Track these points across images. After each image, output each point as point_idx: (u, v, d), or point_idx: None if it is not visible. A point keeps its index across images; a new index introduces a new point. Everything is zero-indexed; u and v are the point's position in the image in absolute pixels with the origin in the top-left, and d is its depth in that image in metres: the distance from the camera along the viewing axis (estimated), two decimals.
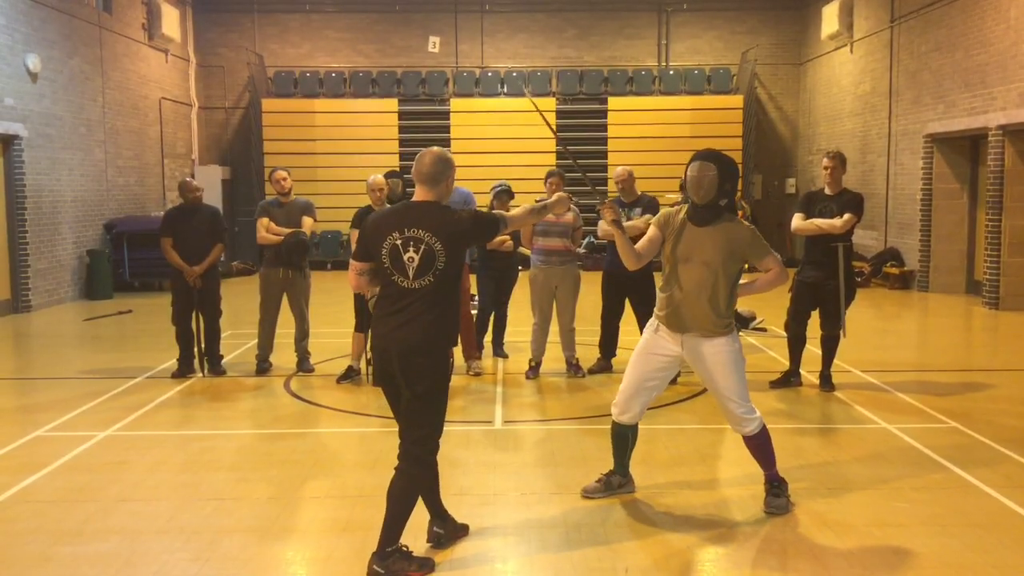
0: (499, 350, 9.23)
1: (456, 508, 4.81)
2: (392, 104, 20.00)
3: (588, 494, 5.16)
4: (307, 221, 8.50)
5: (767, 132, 21.08)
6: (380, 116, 19.87)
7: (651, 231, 5.00)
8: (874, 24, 16.87)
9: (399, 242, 3.99)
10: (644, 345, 4.97)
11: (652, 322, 5.00)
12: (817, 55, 19.75)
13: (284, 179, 8.48)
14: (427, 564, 4.19)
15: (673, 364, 4.98)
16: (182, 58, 19.59)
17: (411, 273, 3.99)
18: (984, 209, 13.29)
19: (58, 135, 14.09)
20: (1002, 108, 12.44)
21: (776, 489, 4.97)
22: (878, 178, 16.70)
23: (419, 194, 4.13)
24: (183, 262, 8.31)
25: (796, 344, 7.81)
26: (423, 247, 3.97)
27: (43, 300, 13.56)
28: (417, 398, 4.05)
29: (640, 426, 5.17)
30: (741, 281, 4.95)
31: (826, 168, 7.58)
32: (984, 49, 12.94)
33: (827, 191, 7.62)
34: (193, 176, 18.05)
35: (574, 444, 6.25)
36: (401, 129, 19.78)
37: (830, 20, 18.21)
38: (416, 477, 4.13)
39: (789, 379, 7.87)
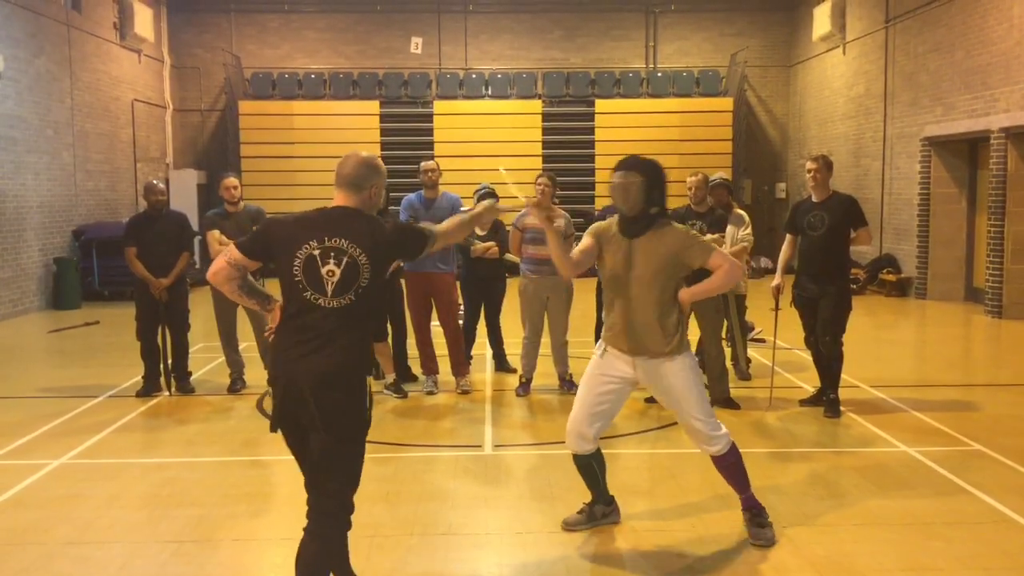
0: (503, 364, 8.77)
1: (446, 551, 4.31)
2: (374, 106, 19.46)
3: (569, 526, 4.75)
4: None
5: (757, 136, 20.67)
6: (361, 119, 19.32)
7: (585, 240, 4.61)
8: (868, 25, 16.48)
9: (317, 252, 3.39)
10: (591, 368, 4.62)
11: (600, 344, 4.63)
12: (808, 57, 19.37)
13: (235, 187, 7.87)
14: None
15: (625, 386, 4.59)
16: (156, 59, 18.99)
17: (329, 290, 3.39)
18: (985, 214, 12.90)
19: (23, 138, 13.47)
20: (1005, 110, 12.04)
21: (758, 518, 4.60)
22: (873, 182, 16.31)
23: (338, 199, 3.53)
24: (148, 273, 7.75)
25: (821, 359, 7.26)
26: (345, 260, 3.40)
27: (6, 311, 12.94)
28: (333, 442, 3.39)
29: (642, 451, 4.69)
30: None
31: (809, 172, 7.02)
32: (986, 49, 12.55)
33: (814, 198, 7.09)
34: (167, 180, 17.55)
35: (571, 471, 5.72)
36: (383, 132, 19.24)
37: (821, 21, 17.81)
38: (331, 539, 3.48)
39: (821, 397, 7.26)
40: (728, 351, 7.96)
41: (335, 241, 3.40)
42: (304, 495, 3.51)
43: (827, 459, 6.02)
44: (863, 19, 16.70)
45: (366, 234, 3.43)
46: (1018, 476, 5.61)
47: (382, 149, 18.86)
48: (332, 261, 3.39)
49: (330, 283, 3.39)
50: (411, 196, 7.90)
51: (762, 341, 10.22)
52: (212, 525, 4.85)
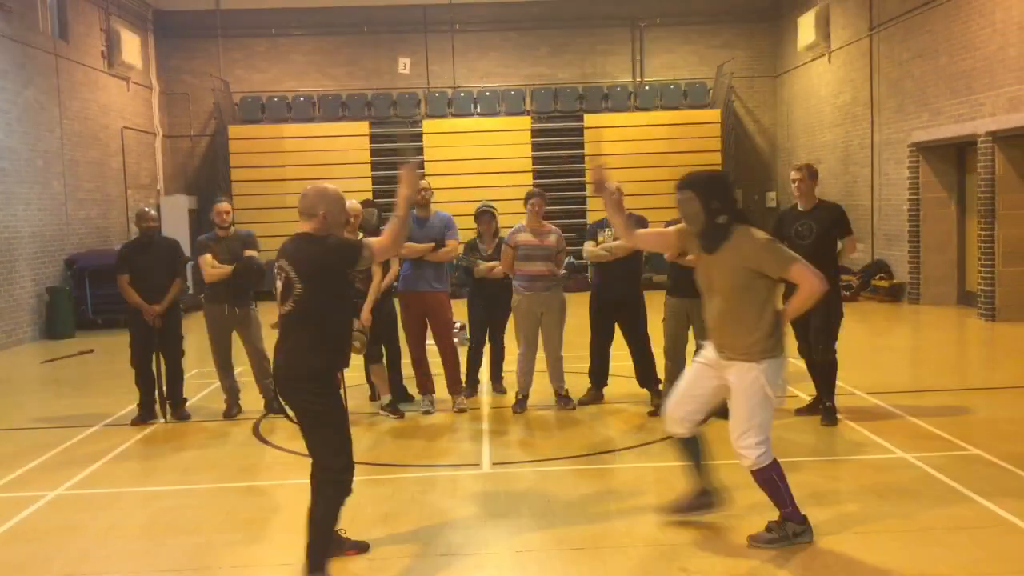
0: (497, 384, 8.64)
1: (447, 571, 4.29)
2: (363, 127, 19.49)
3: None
4: (250, 254, 7.88)
5: (745, 146, 20.76)
6: (351, 140, 19.33)
7: (670, 230, 4.88)
8: (852, 33, 16.58)
9: (275, 271, 4.30)
10: (700, 356, 4.78)
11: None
12: (794, 67, 19.48)
13: (227, 212, 7.87)
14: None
15: (722, 387, 4.64)
16: (144, 86, 19.01)
17: (279, 299, 4.27)
18: (975, 218, 12.94)
19: (13, 168, 13.45)
20: (991, 114, 12.10)
21: (782, 526, 4.59)
22: (862, 189, 16.37)
23: (301, 226, 4.31)
24: (142, 300, 7.72)
25: (814, 368, 7.26)
26: (283, 276, 4.23)
27: (0, 341, 12.87)
28: (305, 423, 4.28)
29: (641, 465, 4.67)
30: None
31: (794, 181, 7.07)
32: (970, 54, 12.63)
33: (800, 207, 7.10)
34: (159, 207, 17.55)
35: (570, 489, 5.72)
36: (373, 152, 19.26)
37: (806, 31, 17.91)
38: (331, 498, 4.26)
39: (817, 406, 7.25)
40: None
41: (280, 261, 4.27)
42: (298, 521, 4.06)
43: (825, 468, 6.02)
44: (847, 27, 16.79)
45: (296, 253, 4.24)
46: (1017, 480, 5.60)
47: (372, 169, 18.92)
48: (278, 277, 4.27)
49: (278, 295, 4.27)
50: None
51: None
52: (210, 553, 4.81)
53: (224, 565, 4.64)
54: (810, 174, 7.07)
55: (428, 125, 19.58)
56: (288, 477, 6.24)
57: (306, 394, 4.22)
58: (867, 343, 11.06)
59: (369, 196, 16.08)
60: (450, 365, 7.90)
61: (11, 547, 5.04)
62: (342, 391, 4.39)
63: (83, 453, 6.98)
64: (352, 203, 7.55)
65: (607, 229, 7.75)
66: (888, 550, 4.54)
